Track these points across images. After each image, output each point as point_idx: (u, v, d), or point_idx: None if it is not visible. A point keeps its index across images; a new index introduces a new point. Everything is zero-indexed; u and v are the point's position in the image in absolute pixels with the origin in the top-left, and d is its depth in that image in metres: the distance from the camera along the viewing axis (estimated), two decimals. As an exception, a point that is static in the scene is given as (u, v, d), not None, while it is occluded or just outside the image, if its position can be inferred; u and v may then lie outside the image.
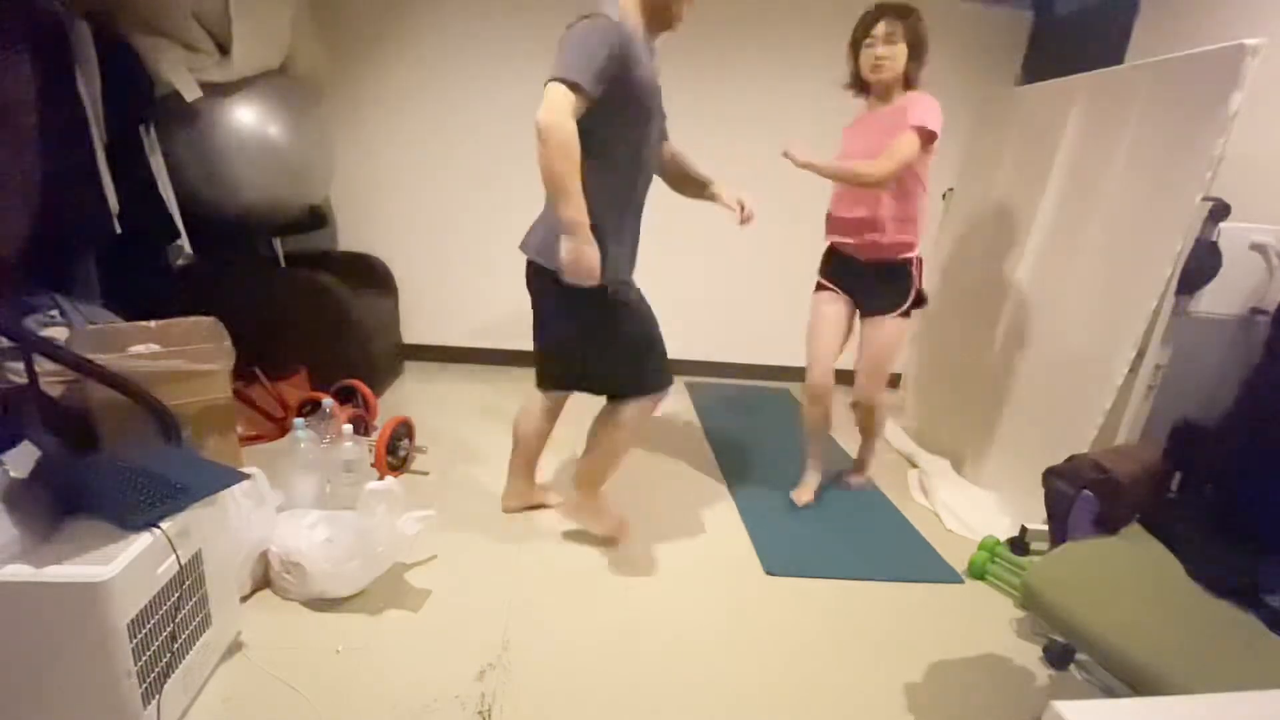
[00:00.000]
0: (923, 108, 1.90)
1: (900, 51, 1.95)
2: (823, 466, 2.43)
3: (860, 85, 2.09)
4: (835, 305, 2.22)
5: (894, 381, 3.54)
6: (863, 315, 2.20)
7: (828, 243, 2.25)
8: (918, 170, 1.99)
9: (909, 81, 2.02)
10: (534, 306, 1.85)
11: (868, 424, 2.41)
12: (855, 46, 2.03)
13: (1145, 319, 1.95)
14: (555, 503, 2.17)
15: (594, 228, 1.57)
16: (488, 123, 3.26)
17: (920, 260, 2.13)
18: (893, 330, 2.12)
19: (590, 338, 1.77)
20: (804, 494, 2.37)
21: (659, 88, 1.73)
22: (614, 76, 1.53)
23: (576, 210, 1.52)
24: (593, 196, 1.55)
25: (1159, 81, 2.02)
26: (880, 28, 1.96)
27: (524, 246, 1.76)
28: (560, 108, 1.47)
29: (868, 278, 2.15)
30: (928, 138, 1.91)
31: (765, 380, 3.69)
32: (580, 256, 1.56)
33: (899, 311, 2.11)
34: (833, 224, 2.20)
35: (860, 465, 2.58)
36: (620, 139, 1.64)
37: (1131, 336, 1.98)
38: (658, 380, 1.88)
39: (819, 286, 2.29)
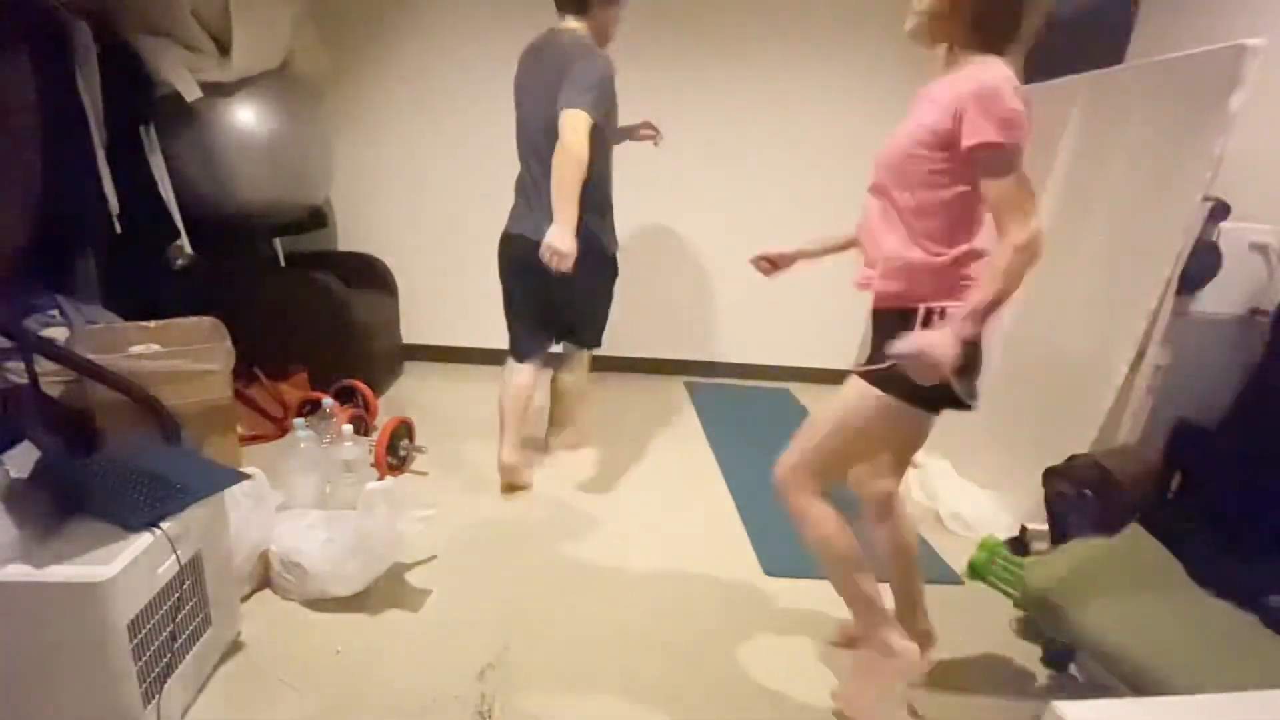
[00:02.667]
0: (979, 107, 1.14)
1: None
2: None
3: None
4: None
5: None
6: None
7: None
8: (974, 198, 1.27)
9: (978, 42, 1.24)
10: (523, 283, 2.14)
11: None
12: None
13: (1145, 319, 1.95)
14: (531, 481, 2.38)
15: (604, 209, 2.13)
16: (488, 123, 3.25)
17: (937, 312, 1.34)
18: (850, 394, 1.36)
19: (591, 295, 2.24)
20: None
21: None
22: (609, 106, 1.99)
23: (575, 210, 1.90)
24: (600, 185, 2.03)
25: (1159, 81, 2.02)
26: None
27: (526, 230, 2.05)
28: (584, 133, 1.85)
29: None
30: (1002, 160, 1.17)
31: (765, 380, 3.69)
32: (568, 243, 1.88)
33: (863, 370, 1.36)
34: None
35: None
36: (608, 140, 2.08)
37: (1131, 336, 1.97)
38: (599, 337, 2.40)
39: None
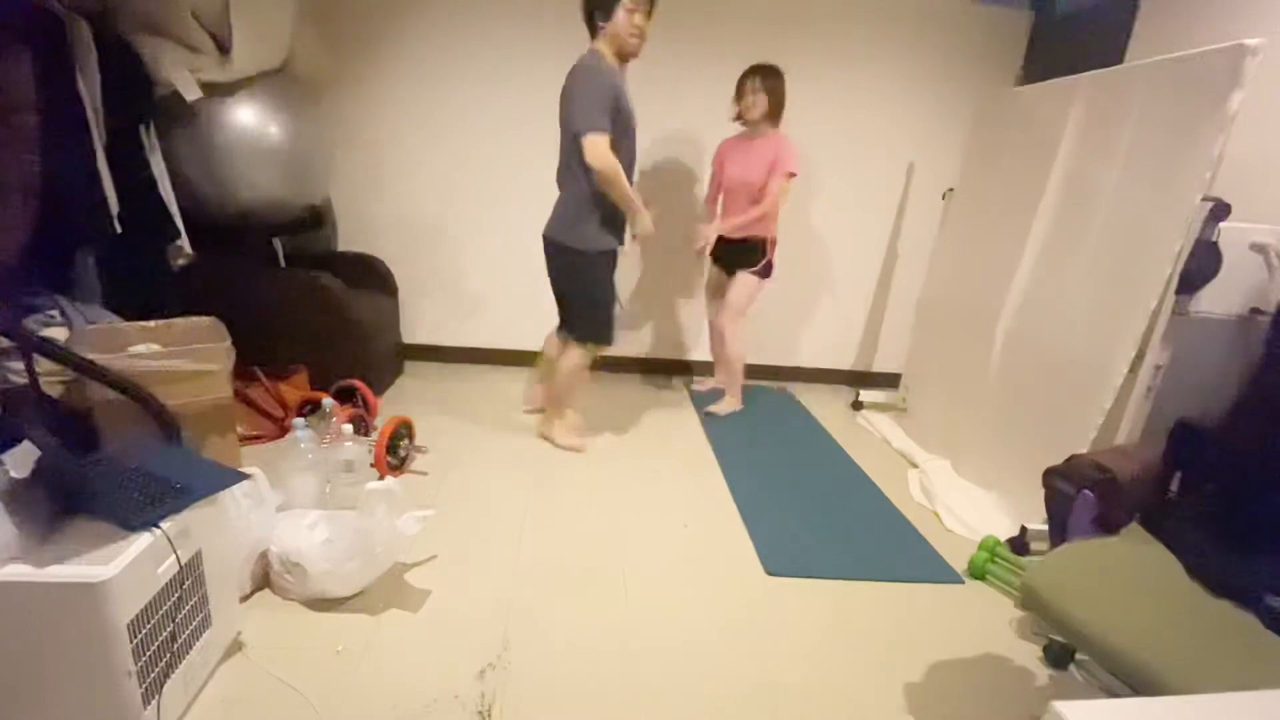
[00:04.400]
0: (792, 155, 2.83)
1: (762, 100, 2.79)
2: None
3: (739, 117, 2.91)
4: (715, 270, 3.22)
5: (894, 382, 3.54)
6: (729, 274, 3.09)
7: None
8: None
9: (774, 120, 2.87)
10: (548, 273, 2.52)
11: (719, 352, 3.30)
12: (738, 91, 2.86)
13: (1145, 319, 1.95)
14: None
15: (616, 211, 2.36)
16: (488, 123, 3.26)
17: (771, 241, 2.97)
18: (747, 281, 3.01)
19: (571, 291, 2.52)
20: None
21: (632, 106, 2.33)
22: (614, 109, 2.19)
23: (638, 203, 2.35)
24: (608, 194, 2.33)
25: (1159, 81, 2.02)
26: (747, 83, 2.83)
27: (547, 229, 2.45)
28: (604, 150, 2.18)
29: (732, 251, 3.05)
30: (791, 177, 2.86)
31: (765, 380, 3.69)
32: (648, 226, 2.42)
33: (751, 270, 2.99)
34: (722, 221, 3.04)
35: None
36: (620, 148, 2.26)
37: (1131, 336, 1.97)
38: (595, 334, 2.51)
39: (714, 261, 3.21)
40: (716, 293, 3.18)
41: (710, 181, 3.12)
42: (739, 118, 2.88)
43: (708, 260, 3.19)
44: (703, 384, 3.51)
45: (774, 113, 2.83)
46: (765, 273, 2.99)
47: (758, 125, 2.84)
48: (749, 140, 2.89)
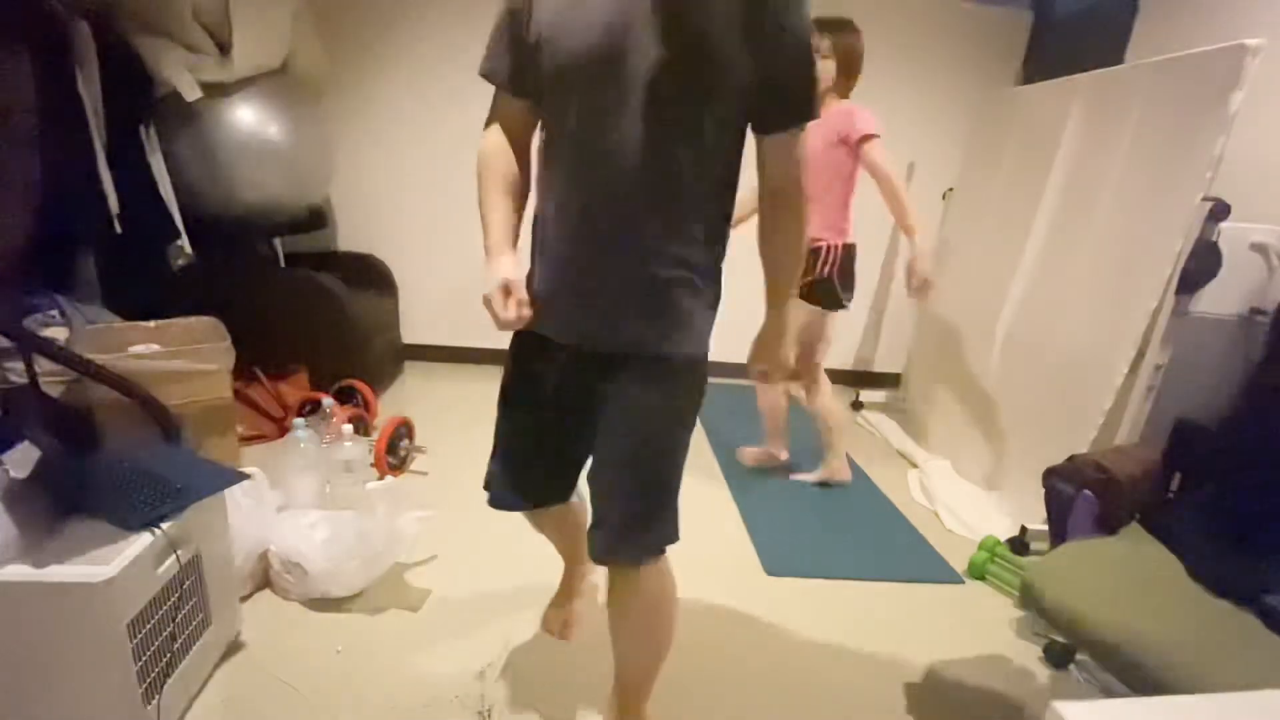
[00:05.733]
0: (867, 115, 2.10)
1: (830, 66, 2.11)
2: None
3: None
4: None
5: (894, 382, 3.54)
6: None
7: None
8: (849, 172, 2.16)
9: (843, 89, 2.18)
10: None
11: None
12: None
13: (1145, 319, 1.95)
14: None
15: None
16: (488, 123, 3.26)
17: (831, 248, 2.22)
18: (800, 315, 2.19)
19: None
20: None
21: None
22: None
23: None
24: None
25: (1159, 81, 2.02)
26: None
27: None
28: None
29: None
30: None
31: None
32: None
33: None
34: None
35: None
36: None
37: (1131, 336, 1.97)
38: (675, 529, 1.34)
39: None
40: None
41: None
42: None
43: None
44: (754, 456, 2.67)
45: (846, 80, 2.15)
46: (831, 298, 2.22)
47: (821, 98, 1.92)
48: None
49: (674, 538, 1.17)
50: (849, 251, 2.25)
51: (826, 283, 2.21)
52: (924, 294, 2.13)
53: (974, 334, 2.73)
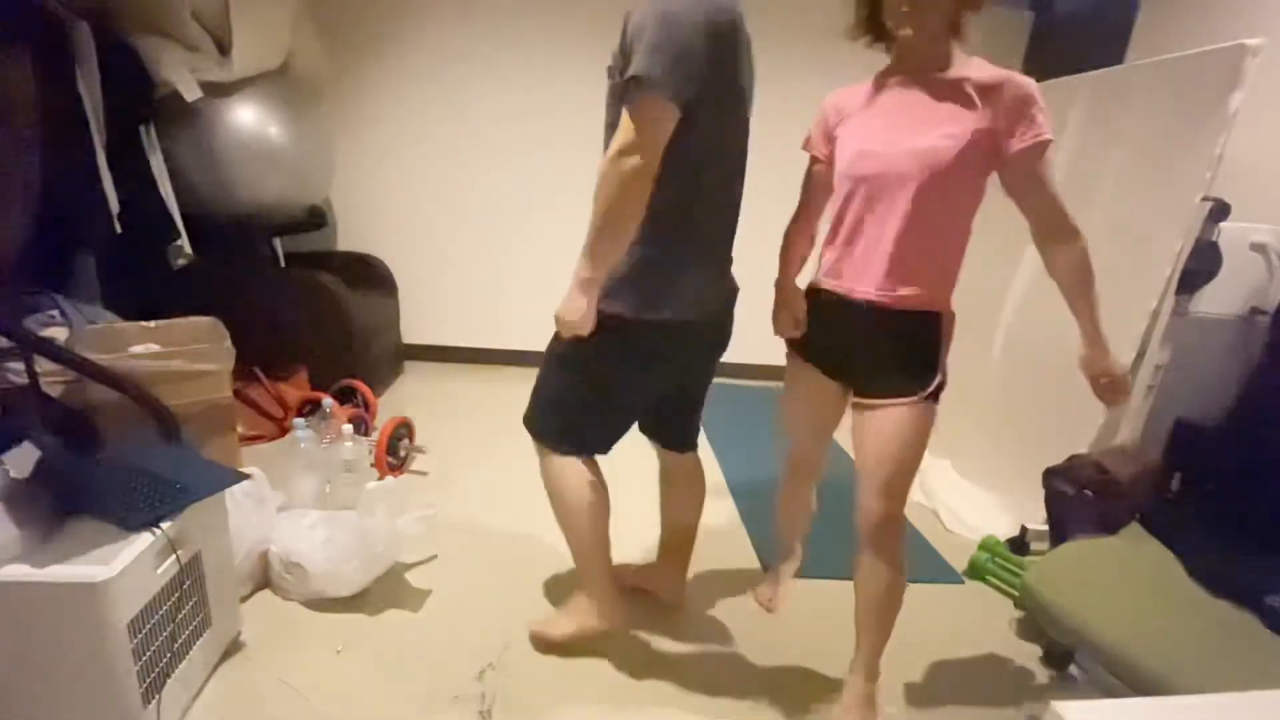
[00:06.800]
0: (1037, 99, 1.22)
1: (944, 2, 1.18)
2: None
3: (878, 31, 1.28)
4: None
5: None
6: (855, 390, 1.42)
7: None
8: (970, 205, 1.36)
9: (957, 32, 1.23)
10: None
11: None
12: None
13: (1145, 319, 1.95)
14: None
15: None
16: (488, 122, 3.26)
17: (950, 316, 1.41)
18: (907, 416, 1.36)
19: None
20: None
21: None
22: None
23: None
24: None
25: (1159, 81, 2.02)
26: None
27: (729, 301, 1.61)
28: None
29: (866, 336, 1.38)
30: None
31: (766, 380, 3.69)
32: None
33: (916, 390, 1.34)
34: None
35: None
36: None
37: (1131, 336, 1.97)
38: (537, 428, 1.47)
39: None
40: (813, 430, 1.57)
41: (806, 184, 1.47)
42: (875, 30, 1.28)
43: (792, 357, 1.53)
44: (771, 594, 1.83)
45: (961, 16, 1.22)
46: (938, 388, 1.35)
47: (929, 48, 1.23)
48: (908, 87, 1.27)
49: (534, 429, 1.46)
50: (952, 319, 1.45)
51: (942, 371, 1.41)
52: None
53: (974, 333, 2.73)
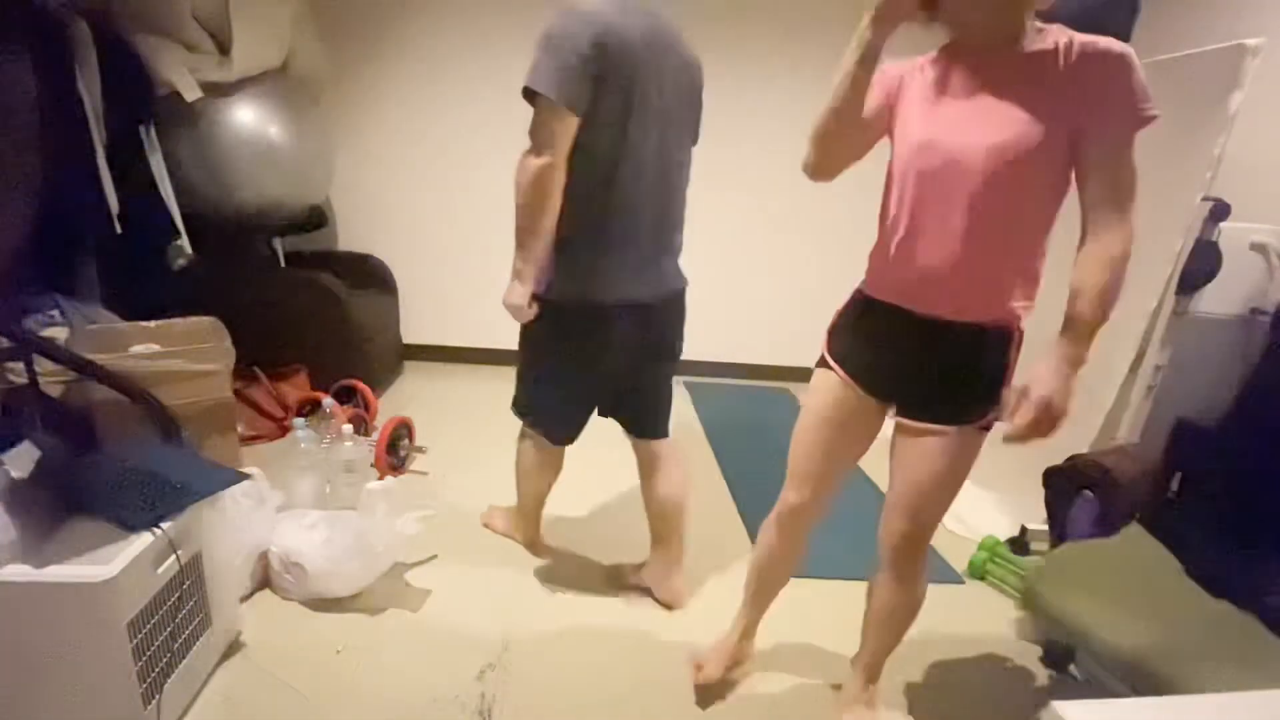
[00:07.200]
0: (1137, 72, 1.02)
1: None
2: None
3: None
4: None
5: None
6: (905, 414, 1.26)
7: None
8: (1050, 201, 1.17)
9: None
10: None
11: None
12: None
13: (1145, 319, 1.95)
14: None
15: None
16: (488, 123, 3.26)
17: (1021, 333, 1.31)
18: (959, 443, 1.27)
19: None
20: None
21: None
22: None
23: None
24: None
25: (1159, 81, 1.99)
26: None
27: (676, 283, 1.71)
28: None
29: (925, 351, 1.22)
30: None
31: (767, 381, 3.69)
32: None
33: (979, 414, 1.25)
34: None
35: None
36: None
37: (1131, 336, 1.97)
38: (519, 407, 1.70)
39: None
40: (834, 459, 1.33)
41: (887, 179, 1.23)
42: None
43: (823, 373, 1.30)
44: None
45: None
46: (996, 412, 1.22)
47: (997, 18, 1.05)
48: (977, 67, 1.09)
49: (513, 406, 1.70)
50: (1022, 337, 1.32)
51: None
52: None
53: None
